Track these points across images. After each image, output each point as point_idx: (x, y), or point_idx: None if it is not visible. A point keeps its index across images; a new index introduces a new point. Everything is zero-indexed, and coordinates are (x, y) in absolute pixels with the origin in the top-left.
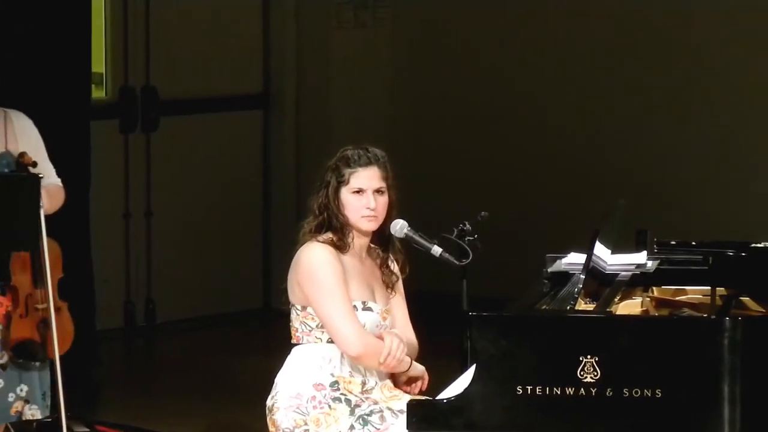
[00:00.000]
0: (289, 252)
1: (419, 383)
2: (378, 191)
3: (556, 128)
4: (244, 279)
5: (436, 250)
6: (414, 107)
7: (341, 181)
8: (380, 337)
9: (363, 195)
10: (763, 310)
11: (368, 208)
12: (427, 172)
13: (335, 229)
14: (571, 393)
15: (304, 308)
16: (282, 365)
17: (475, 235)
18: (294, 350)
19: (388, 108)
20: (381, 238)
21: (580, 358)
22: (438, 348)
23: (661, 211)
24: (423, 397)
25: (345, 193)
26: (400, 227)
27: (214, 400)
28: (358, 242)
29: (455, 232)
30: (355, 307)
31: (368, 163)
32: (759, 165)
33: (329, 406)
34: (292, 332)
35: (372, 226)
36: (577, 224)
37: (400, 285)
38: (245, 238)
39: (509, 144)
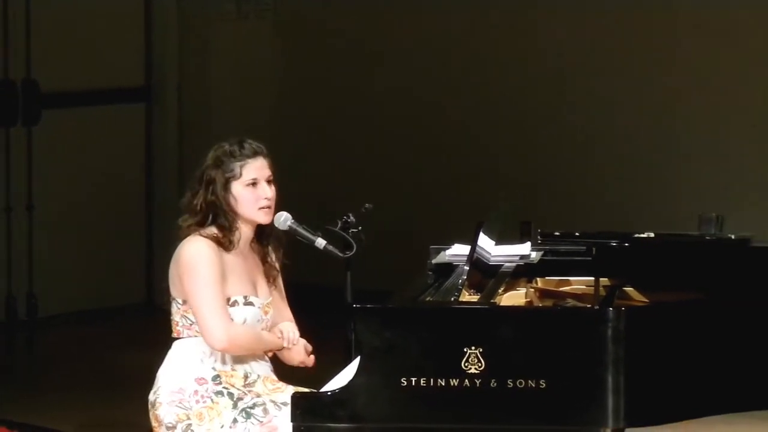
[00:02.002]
0: (171, 246)
1: (310, 357)
2: (269, 181)
3: (441, 121)
4: (126, 273)
5: (320, 242)
6: (297, 99)
7: (231, 177)
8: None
9: (258, 186)
10: (646, 300)
11: (266, 198)
12: (309, 164)
13: (222, 227)
14: (456, 384)
15: (184, 302)
16: (164, 359)
17: (359, 227)
18: (175, 344)
19: (271, 100)
20: (262, 230)
21: (465, 350)
22: (322, 341)
23: (547, 203)
24: (307, 390)
25: (238, 188)
26: (283, 219)
27: (96, 395)
28: (244, 236)
29: (339, 224)
30: (236, 302)
31: (256, 154)
32: (635, 159)
33: (212, 400)
34: (173, 326)
35: (269, 217)
36: (461, 216)
37: (279, 278)
38: (128, 232)
39: (393, 136)
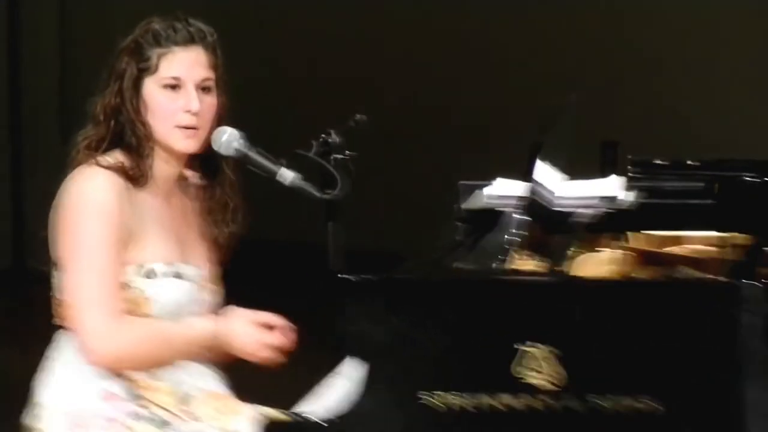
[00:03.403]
0: (51, 187)
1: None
2: (203, 86)
3: None
4: None
5: (285, 174)
6: None
7: (145, 69)
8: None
9: (180, 91)
10: None
11: (188, 111)
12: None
13: (129, 146)
14: (506, 405)
15: None
16: (44, 361)
17: (347, 152)
18: (61, 337)
19: None
20: (203, 162)
21: (518, 347)
22: (298, 333)
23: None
24: (277, 411)
25: (150, 87)
26: (227, 138)
27: None
28: (165, 169)
29: (314, 147)
30: (152, 271)
31: (189, 41)
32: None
33: (127, 428)
34: (56, 307)
35: (191, 144)
36: (501, 140)
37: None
38: None
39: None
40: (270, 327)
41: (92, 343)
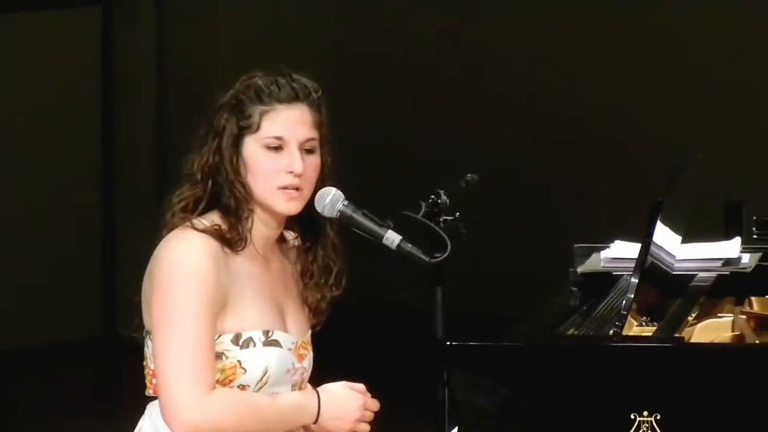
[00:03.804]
0: (144, 252)
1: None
2: (307, 147)
3: None
4: (74, 296)
5: (392, 237)
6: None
7: (245, 127)
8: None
9: (282, 151)
10: None
11: (290, 172)
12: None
13: (227, 208)
14: None
15: None
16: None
17: (457, 214)
18: (151, 407)
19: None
20: (305, 224)
21: (633, 416)
22: (396, 400)
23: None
24: None
25: (251, 147)
26: (331, 200)
27: None
28: (264, 232)
29: (423, 208)
30: (249, 340)
31: (293, 98)
32: None
33: None
34: (148, 376)
35: (293, 206)
36: (618, 199)
37: (324, 308)
38: (75, 235)
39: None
40: None
41: (179, 415)
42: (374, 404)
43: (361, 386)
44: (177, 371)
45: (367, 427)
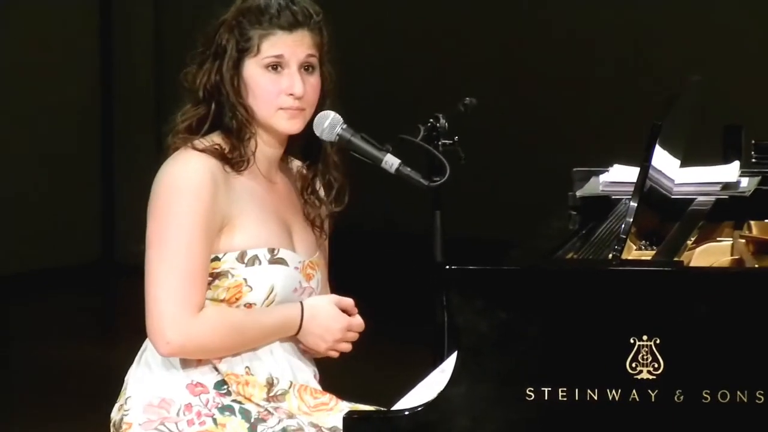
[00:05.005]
0: (145, 184)
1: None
2: (307, 67)
3: None
4: (76, 222)
5: (390, 160)
6: None
7: (245, 49)
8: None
9: (283, 72)
10: None
11: (291, 94)
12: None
13: (229, 129)
14: (617, 398)
15: None
16: (134, 355)
17: (456, 138)
18: None
19: None
20: (304, 145)
21: (632, 341)
22: (393, 329)
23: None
24: (368, 407)
25: (252, 69)
26: (330, 124)
27: (33, 404)
28: (266, 152)
29: (422, 132)
30: (255, 258)
31: (293, 25)
32: None
33: (214, 421)
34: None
35: (294, 125)
36: (614, 123)
37: (326, 227)
38: (74, 163)
39: None
40: (349, 314)
41: (165, 336)
42: (359, 325)
43: (349, 301)
44: (166, 291)
45: (348, 346)
